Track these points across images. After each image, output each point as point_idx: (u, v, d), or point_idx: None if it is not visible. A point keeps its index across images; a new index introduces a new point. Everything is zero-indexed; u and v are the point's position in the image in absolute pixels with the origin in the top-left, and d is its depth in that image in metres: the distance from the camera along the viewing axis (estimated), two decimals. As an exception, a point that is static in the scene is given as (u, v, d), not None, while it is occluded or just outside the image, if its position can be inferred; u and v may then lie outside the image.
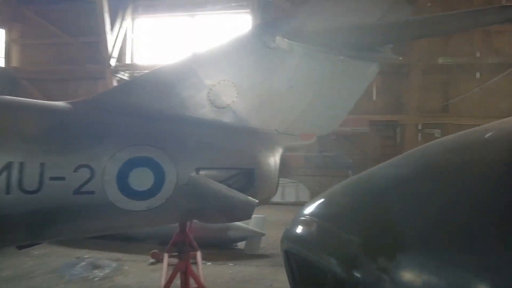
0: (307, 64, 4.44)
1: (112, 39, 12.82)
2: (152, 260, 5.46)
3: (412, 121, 11.44)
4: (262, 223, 5.58)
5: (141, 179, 3.11)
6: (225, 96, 3.91)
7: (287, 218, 7.51)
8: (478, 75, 11.71)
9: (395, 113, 11.86)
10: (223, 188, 3.52)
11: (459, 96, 11.69)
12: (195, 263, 4.28)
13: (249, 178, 3.82)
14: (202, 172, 3.47)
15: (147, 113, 3.60)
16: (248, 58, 4.09)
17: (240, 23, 13.17)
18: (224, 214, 3.59)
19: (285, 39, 4.08)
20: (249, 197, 3.56)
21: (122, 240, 5.80)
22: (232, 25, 13.31)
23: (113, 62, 12.87)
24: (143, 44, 14.32)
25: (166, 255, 4.43)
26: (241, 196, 3.57)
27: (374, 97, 11.70)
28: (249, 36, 4.31)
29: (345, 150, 11.71)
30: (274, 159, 4.25)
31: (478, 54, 11.59)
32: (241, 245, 5.68)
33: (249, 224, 5.59)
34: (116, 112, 3.56)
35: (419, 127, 11.63)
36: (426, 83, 11.78)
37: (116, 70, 12.96)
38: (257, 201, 3.58)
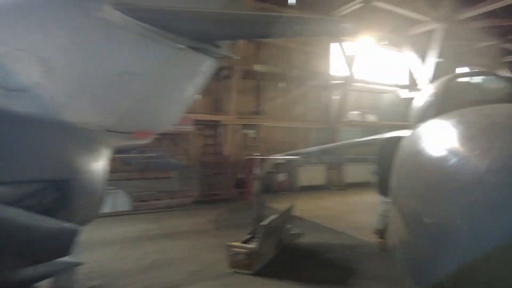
0: (144, 47, 3.61)
1: None
2: None
3: (232, 122, 12.06)
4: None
5: None
6: (23, 73, 2.62)
7: (105, 234, 6.21)
8: (283, 84, 13.61)
9: (216, 113, 12.21)
10: (19, 214, 2.31)
11: (269, 102, 13.26)
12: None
13: (62, 194, 2.69)
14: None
15: None
16: (61, 25, 2.89)
17: None
18: (24, 255, 2.36)
19: (117, 11, 3.12)
20: (67, 223, 2.47)
21: None
22: None
23: None
24: None
25: None
26: (52, 223, 2.43)
27: (198, 96, 11.67)
28: (65, -3, 3.09)
29: (168, 149, 11.12)
30: (99, 165, 3.23)
31: (282, 66, 13.45)
32: (46, 284, 4.06)
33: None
34: None
35: (238, 127, 12.41)
36: (243, 87, 12.71)
37: None
38: (80, 227, 2.53)
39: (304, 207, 9.88)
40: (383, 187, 4.82)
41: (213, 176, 11.55)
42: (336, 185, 13.90)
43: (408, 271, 1.38)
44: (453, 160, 1.48)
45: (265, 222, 5.68)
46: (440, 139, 1.99)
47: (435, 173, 1.56)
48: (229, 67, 11.64)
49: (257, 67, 12.24)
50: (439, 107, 2.81)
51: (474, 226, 1.04)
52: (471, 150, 1.46)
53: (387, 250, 6.37)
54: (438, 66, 17.42)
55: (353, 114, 15.40)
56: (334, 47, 14.90)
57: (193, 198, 10.50)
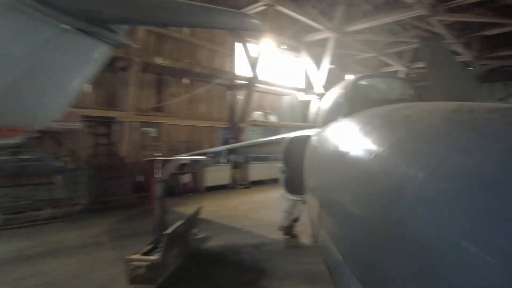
0: (16, 23, 2.88)
1: None
2: None
3: (129, 119, 10.98)
4: None
5: None
6: None
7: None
8: (186, 80, 13.04)
9: (111, 108, 10.96)
10: None
11: (171, 99, 12.53)
12: None
13: None
14: None
15: None
16: None
17: None
18: None
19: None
20: None
21: None
22: None
23: None
24: None
25: None
26: None
27: (88, 89, 10.31)
28: None
29: (50, 150, 9.50)
30: None
31: (186, 61, 12.88)
32: None
33: None
34: None
35: (136, 125, 11.38)
36: (143, 81, 11.72)
37: None
38: None
39: (210, 208, 9.61)
40: (290, 185, 4.87)
41: (108, 180, 10.33)
42: (241, 184, 14.02)
43: (353, 271, 1.35)
44: (373, 157, 1.50)
45: (169, 230, 5.21)
46: (355, 137, 2.01)
47: (359, 170, 1.59)
48: (127, 58, 10.56)
49: (159, 61, 11.42)
50: (348, 107, 2.86)
51: (405, 220, 1.08)
52: (387, 146, 1.51)
53: (293, 246, 6.58)
54: (330, 72, 19.21)
55: (257, 114, 15.77)
56: (238, 47, 14.99)
57: (83, 206, 9.18)
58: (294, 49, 18.93)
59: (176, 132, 12.96)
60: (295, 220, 7.23)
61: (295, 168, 4.74)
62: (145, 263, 4.66)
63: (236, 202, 10.96)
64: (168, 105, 12.60)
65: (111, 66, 10.73)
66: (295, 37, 17.95)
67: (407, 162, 1.24)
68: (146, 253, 5.06)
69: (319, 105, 4.18)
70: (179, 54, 12.97)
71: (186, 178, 12.12)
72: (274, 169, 15.50)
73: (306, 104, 19.31)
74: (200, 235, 6.90)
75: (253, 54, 14.58)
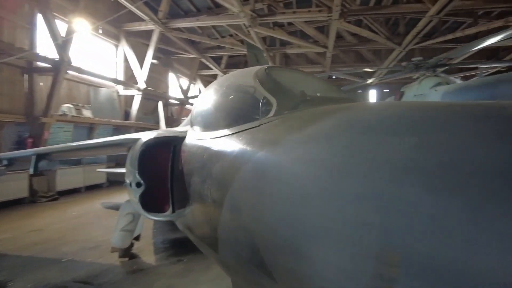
0: None
1: None
2: None
3: None
4: None
5: None
6: None
7: None
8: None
9: None
10: None
11: None
12: None
13: None
14: None
15: None
16: None
17: None
18: None
19: None
20: None
21: None
22: None
23: None
24: None
25: None
26: None
27: None
28: None
29: None
30: None
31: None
32: None
33: None
34: None
35: None
36: None
37: None
38: None
39: (2, 234, 6.93)
40: (149, 202, 3.91)
41: None
42: (45, 196, 11.00)
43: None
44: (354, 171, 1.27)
45: None
46: (318, 145, 1.61)
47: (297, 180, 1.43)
48: None
49: None
50: (277, 104, 2.27)
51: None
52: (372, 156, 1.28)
53: (136, 270, 5.44)
54: (152, 67, 18.06)
55: (66, 107, 12.84)
56: (40, 20, 11.70)
57: None
58: (114, 36, 16.70)
59: None
60: (136, 238, 6.11)
61: (157, 181, 3.84)
62: None
63: (43, 221, 8.36)
64: None
65: None
66: (115, 24, 15.83)
67: (393, 171, 1.10)
68: None
69: (200, 100, 3.46)
70: None
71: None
72: (89, 174, 13.16)
73: (129, 99, 17.49)
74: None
75: (61, 33, 11.77)
